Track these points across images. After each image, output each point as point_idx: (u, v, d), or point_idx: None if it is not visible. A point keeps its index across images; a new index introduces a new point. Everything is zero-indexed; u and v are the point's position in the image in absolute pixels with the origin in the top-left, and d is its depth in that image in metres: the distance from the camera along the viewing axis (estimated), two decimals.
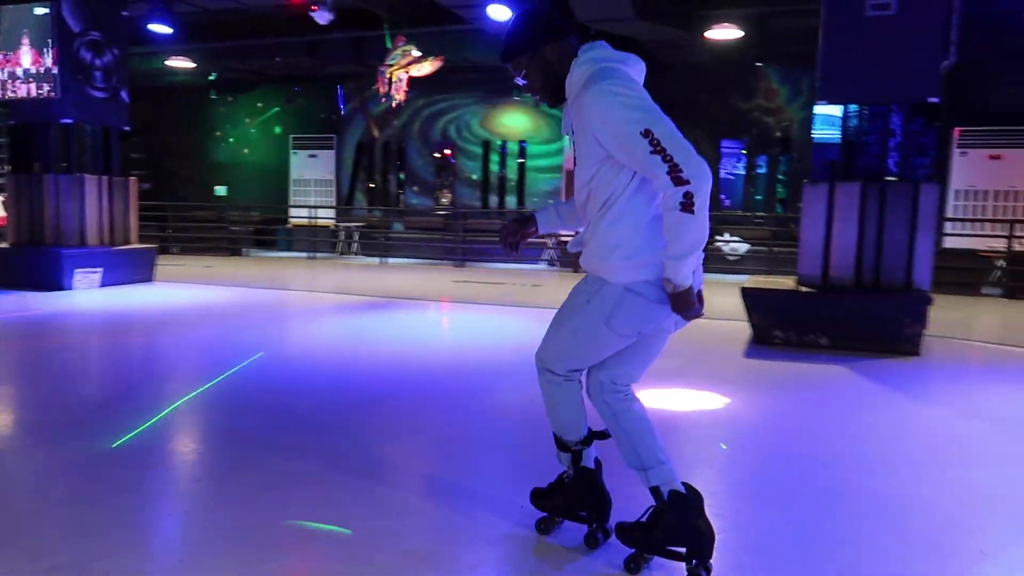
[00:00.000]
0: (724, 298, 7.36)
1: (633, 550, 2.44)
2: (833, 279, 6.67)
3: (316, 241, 16.82)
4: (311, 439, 3.76)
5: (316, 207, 17.16)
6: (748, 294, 6.75)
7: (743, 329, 6.87)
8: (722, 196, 15.39)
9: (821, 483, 3.33)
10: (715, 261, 13.37)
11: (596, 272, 2.32)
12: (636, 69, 2.26)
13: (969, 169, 11.75)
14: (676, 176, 2.02)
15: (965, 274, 10.78)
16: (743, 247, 13.39)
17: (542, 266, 14.42)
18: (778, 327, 6.60)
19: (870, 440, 4.03)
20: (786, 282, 7.09)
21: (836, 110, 7.10)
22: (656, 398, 4.57)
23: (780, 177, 14.58)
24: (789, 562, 2.55)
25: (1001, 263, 11.07)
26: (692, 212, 2.03)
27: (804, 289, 6.71)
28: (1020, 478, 3.45)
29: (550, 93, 2.31)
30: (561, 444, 2.57)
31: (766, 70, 14.03)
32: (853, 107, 6.89)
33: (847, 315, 6.42)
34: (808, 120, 13.91)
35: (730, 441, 3.95)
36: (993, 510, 3.06)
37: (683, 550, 2.34)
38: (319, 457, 3.47)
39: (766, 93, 14.22)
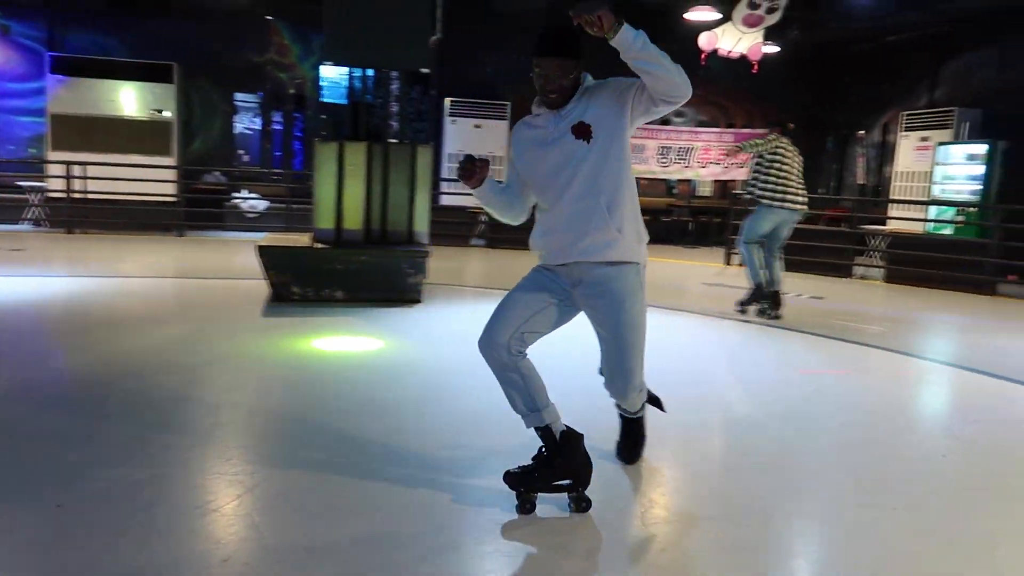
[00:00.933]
0: (244, 257, 7.17)
1: (519, 494, 2.72)
2: (346, 234, 7.01)
3: None
4: None
5: None
6: (265, 252, 6.69)
7: (263, 287, 6.81)
8: (240, 151, 14.95)
9: (326, 427, 3.56)
10: (233, 219, 12.97)
11: (628, 259, 2.70)
12: None
13: (459, 135, 13.39)
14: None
15: (457, 228, 12.33)
16: (262, 204, 13.23)
17: (26, 227, 12.28)
18: (296, 283, 6.70)
19: (370, 383, 4.40)
20: (303, 239, 7.23)
21: (342, 72, 7.40)
22: (174, 356, 4.28)
23: (297, 134, 14.71)
24: (336, 473, 2.76)
25: (484, 218, 12.95)
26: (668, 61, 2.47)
27: (319, 245, 6.92)
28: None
29: (565, 96, 2.70)
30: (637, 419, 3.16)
31: (278, 24, 13.91)
32: (357, 71, 7.25)
33: (359, 268, 6.81)
34: (320, 79, 14.27)
35: (234, 385, 3.96)
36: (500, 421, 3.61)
37: (568, 482, 2.74)
38: None
39: (279, 48, 14.11)
